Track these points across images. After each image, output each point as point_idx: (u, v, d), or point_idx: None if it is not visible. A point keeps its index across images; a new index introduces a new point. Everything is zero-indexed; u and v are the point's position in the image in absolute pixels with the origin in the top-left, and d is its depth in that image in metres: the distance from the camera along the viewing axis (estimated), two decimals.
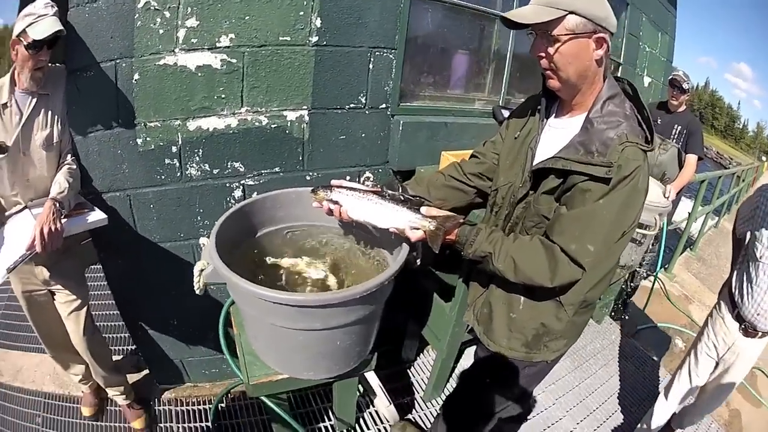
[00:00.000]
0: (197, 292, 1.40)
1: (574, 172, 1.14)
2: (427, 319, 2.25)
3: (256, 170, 1.97)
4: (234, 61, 1.77)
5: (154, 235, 1.92)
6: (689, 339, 3.66)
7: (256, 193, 1.97)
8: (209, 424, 2.09)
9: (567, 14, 1.10)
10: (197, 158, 1.84)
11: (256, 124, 1.88)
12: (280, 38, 1.83)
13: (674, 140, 3.57)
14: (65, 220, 1.62)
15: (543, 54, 1.16)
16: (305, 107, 1.95)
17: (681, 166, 3.52)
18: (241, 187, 1.97)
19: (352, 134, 2.14)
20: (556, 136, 1.26)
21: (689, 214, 5.07)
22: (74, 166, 1.71)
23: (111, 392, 2.04)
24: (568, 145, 1.17)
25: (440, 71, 2.66)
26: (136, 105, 1.73)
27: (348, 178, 2.17)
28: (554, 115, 1.31)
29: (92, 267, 2.60)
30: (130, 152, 1.78)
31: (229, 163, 1.90)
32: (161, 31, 1.69)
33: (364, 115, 2.14)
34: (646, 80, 4.65)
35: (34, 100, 1.62)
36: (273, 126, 1.92)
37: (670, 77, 3.57)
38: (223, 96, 1.80)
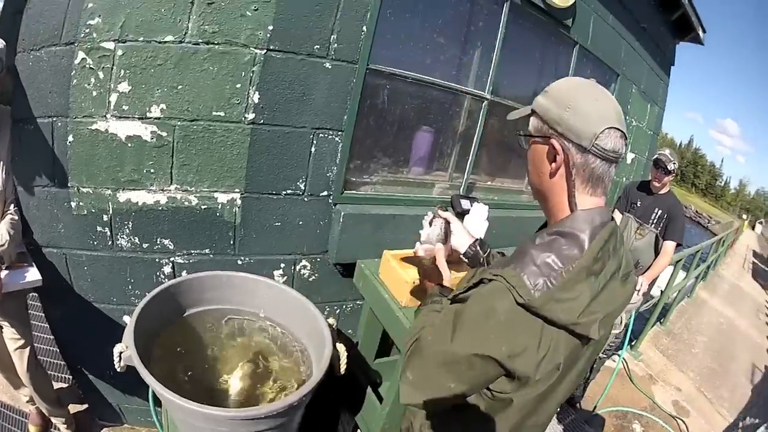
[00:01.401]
0: (119, 370, 1.51)
1: None
2: (361, 406, 2.21)
3: (186, 249, 1.96)
4: (164, 134, 1.76)
5: (88, 294, 2.00)
6: (649, 423, 3.66)
7: (185, 271, 1.99)
8: None
9: (530, 115, 1.05)
10: (127, 230, 1.87)
11: (186, 203, 1.87)
12: (214, 113, 1.78)
13: (653, 224, 3.44)
14: (4, 273, 1.74)
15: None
16: (237, 190, 1.90)
17: (657, 252, 3.42)
18: (171, 263, 1.97)
19: (288, 221, 2.06)
20: None
21: (662, 291, 5.13)
22: (16, 217, 1.80)
23: (54, 420, 2.20)
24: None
25: (397, 151, 2.51)
26: (69, 167, 1.78)
27: (283, 266, 2.15)
28: None
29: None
30: (64, 213, 1.85)
31: (158, 239, 1.91)
32: (94, 93, 1.71)
33: (303, 202, 2.05)
34: (630, 156, 4.41)
35: None
36: (203, 207, 1.89)
37: (655, 157, 3.40)
38: (152, 171, 1.80)
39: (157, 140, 1.77)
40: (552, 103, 0.99)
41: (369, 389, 2.17)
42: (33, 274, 1.85)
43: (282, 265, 2.15)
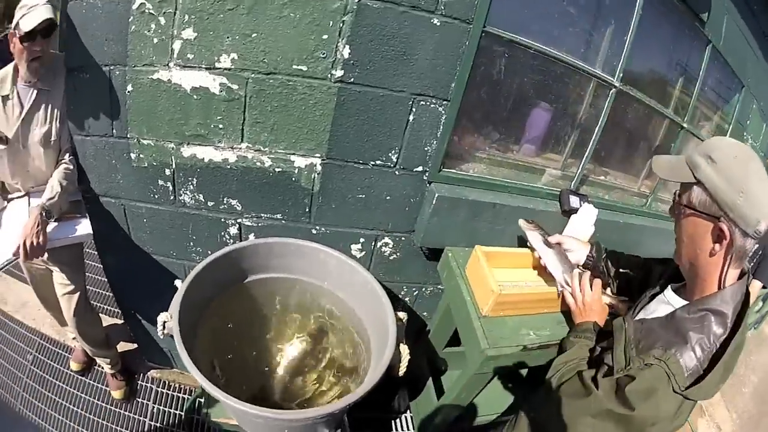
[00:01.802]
0: (162, 337, 1.48)
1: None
2: (420, 391, 2.19)
3: (255, 212, 1.78)
4: (235, 87, 1.52)
5: (147, 246, 1.89)
6: None
7: (253, 234, 1.84)
8: (182, 413, 2.22)
9: (694, 184, 1.05)
10: (191, 186, 1.70)
11: (258, 164, 1.65)
12: (294, 66, 1.51)
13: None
14: (53, 225, 1.72)
15: (672, 217, 1.15)
16: (318, 155, 1.67)
17: None
18: (237, 225, 1.81)
19: (374, 195, 1.82)
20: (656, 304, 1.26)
21: None
22: (71, 167, 1.75)
23: (98, 360, 2.21)
24: (643, 322, 1.17)
25: (508, 129, 2.19)
26: (129, 118, 1.62)
27: (362, 240, 1.97)
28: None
29: None
30: (123, 164, 1.71)
31: (225, 199, 1.73)
32: (155, 40, 1.50)
33: (393, 175, 1.79)
34: None
35: (35, 93, 1.66)
36: (277, 170, 1.68)
37: None
38: (220, 126, 1.58)
39: (227, 93, 1.53)
40: (724, 183, 0.99)
41: (431, 379, 2.10)
42: (84, 227, 1.79)
43: (361, 240, 1.96)
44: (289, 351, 1.89)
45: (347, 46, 1.51)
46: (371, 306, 1.73)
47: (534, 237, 1.75)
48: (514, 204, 2.05)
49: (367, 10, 1.47)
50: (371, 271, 1.93)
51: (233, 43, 1.48)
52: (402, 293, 2.28)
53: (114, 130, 1.67)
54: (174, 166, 1.67)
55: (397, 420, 2.46)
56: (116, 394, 2.24)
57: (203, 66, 1.51)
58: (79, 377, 2.29)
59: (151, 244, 1.90)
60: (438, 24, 1.55)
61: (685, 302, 1.16)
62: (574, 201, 2.27)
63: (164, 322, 1.50)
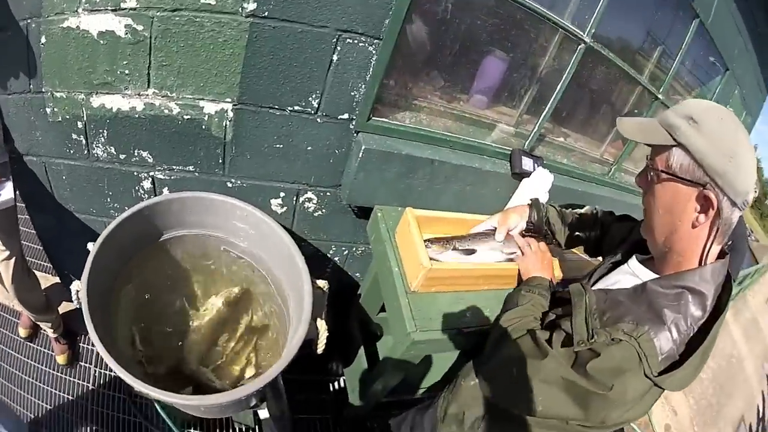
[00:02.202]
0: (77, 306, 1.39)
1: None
2: (353, 359, 2.09)
3: (167, 164, 1.68)
4: (140, 28, 1.42)
5: (69, 204, 1.83)
6: None
7: (167, 189, 1.74)
8: None
9: (674, 146, 0.96)
10: (102, 139, 1.61)
11: (166, 111, 1.55)
12: (201, 1, 1.39)
13: None
14: None
15: (641, 186, 1.08)
16: (229, 100, 1.54)
17: None
18: (150, 178, 1.71)
19: (293, 144, 1.69)
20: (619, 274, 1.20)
21: None
22: None
23: (41, 324, 2.16)
24: (608, 292, 1.08)
25: (454, 76, 2.01)
26: (43, 72, 1.55)
27: (282, 195, 1.85)
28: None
29: None
30: (41, 120, 1.64)
31: (136, 151, 1.64)
32: None
33: (315, 123, 1.65)
34: None
35: None
36: (186, 117, 1.56)
37: None
38: (126, 72, 1.48)
39: (132, 35, 1.43)
40: (711, 146, 0.91)
41: (362, 348, 1.98)
42: (6, 193, 1.66)
43: (281, 195, 1.83)
44: (208, 313, 1.79)
45: None
46: (289, 271, 1.64)
47: (449, 256, 1.62)
48: (456, 161, 1.89)
49: None
50: (295, 227, 1.83)
51: None
52: (330, 252, 2.17)
53: (31, 86, 1.61)
54: (85, 117, 1.58)
55: (335, 382, 2.41)
56: (60, 359, 2.19)
57: (109, 8, 1.42)
58: (27, 343, 2.26)
59: (72, 202, 1.82)
60: None
61: (655, 275, 1.08)
62: (527, 163, 2.11)
63: (77, 291, 1.44)
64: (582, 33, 1.93)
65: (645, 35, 2.55)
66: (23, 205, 2.02)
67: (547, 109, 2.13)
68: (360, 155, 1.67)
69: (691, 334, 0.95)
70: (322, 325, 1.61)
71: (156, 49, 1.46)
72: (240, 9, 1.41)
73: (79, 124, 1.60)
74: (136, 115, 1.57)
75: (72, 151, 1.66)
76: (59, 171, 1.74)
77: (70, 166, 1.70)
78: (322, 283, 1.69)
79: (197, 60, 1.48)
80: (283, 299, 1.73)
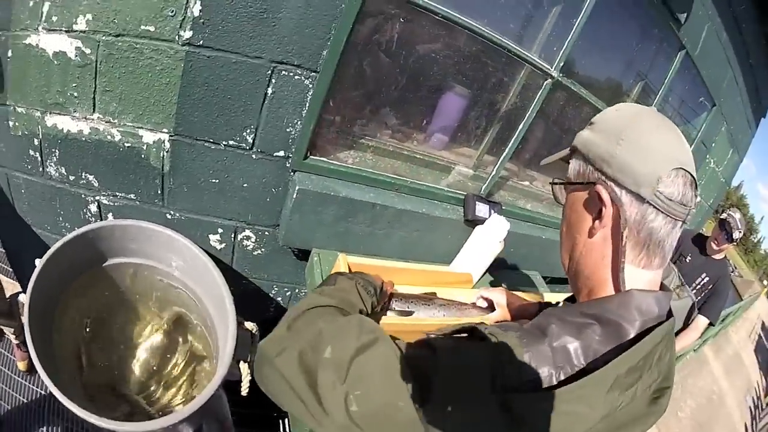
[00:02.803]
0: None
1: None
2: None
3: (111, 190, 1.70)
4: (88, 51, 1.46)
5: (27, 217, 1.89)
6: None
7: (111, 214, 1.76)
8: None
9: (570, 153, 0.87)
10: (55, 158, 1.66)
11: (108, 137, 1.57)
12: (142, 27, 1.41)
13: (695, 290, 3.21)
14: None
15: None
16: (166, 130, 1.54)
17: (687, 323, 3.17)
18: (96, 203, 1.74)
19: (229, 180, 1.66)
20: None
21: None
22: None
23: (3, 328, 2.30)
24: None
25: (408, 112, 1.93)
26: (8, 85, 1.63)
27: (221, 231, 1.84)
28: None
29: None
30: (4, 132, 1.72)
31: (83, 174, 1.67)
32: (31, 3, 1.51)
33: (250, 159, 1.62)
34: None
35: None
36: (126, 145, 1.58)
37: (724, 217, 3.14)
38: (75, 94, 1.53)
39: (81, 58, 1.48)
40: (599, 136, 0.79)
41: None
42: None
43: (219, 230, 1.82)
44: (144, 340, 1.81)
45: (198, 2, 1.38)
46: (219, 310, 1.62)
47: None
48: (401, 206, 1.82)
49: None
50: (235, 265, 1.82)
51: (90, 3, 1.44)
52: (272, 292, 2.12)
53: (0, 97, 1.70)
54: (41, 135, 1.65)
55: (287, 419, 2.31)
56: (21, 366, 2.23)
57: (63, 29, 1.48)
58: None
59: (30, 216, 1.89)
60: None
61: None
62: (481, 209, 2.03)
63: (23, 305, 1.47)
64: (549, 66, 1.82)
65: (625, 68, 2.44)
66: None
67: (507, 150, 2.04)
68: (295, 196, 1.63)
69: (596, 376, 0.67)
70: (245, 368, 1.60)
71: (101, 74, 1.50)
72: (177, 37, 1.42)
73: (36, 141, 1.67)
74: (83, 138, 1.61)
75: (29, 167, 1.73)
76: (19, 184, 1.81)
77: (28, 180, 1.77)
78: (250, 326, 1.66)
79: (137, 87, 1.50)
80: (214, 339, 1.71)
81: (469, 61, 1.82)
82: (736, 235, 3.08)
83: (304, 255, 1.92)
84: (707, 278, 3.22)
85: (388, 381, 0.69)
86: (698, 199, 0.79)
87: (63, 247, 1.55)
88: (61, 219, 1.83)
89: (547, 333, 0.71)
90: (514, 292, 1.66)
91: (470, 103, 1.97)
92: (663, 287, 0.81)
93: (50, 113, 1.60)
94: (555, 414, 0.64)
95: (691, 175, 0.74)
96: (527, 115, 1.93)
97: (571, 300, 0.93)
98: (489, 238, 1.93)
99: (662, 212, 0.73)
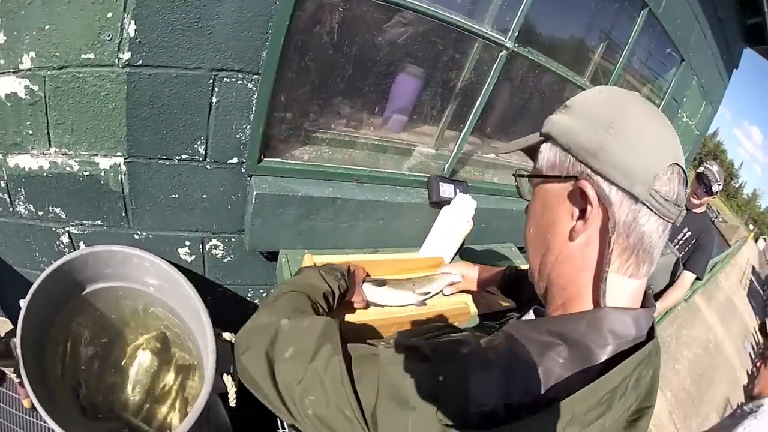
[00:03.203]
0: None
1: None
2: None
3: (78, 220, 1.76)
4: (36, 88, 1.51)
5: (7, 257, 1.94)
6: None
7: (83, 243, 1.81)
8: None
9: (541, 140, 0.77)
10: (22, 197, 1.72)
11: (68, 169, 1.62)
12: (83, 56, 1.45)
13: (678, 246, 3.25)
14: None
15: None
16: (120, 154, 1.59)
17: (673, 279, 3.25)
18: (67, 233, 1.79)
19: (188, 194, 1.70)
20: None
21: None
22: None
23: (4, 369, 2.35)
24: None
25: (362, 99, 1.92)
26: None
27: (188, 244, 1.87)
28: None
29: None
30: None
31: (50, 207, 1.73)
32: None
33: (205, 170, 1.66)
34: None
35: None
36: (85, 174, 1.63)
37: (701, 170, 3.15)
38: (30, 132, 1.58)
39: (31, 96, 1.52)
40: (582, 123, 0.69)
41: None
42: None
43: (187, 243, 1.86)
44: (133, 360, 1.88)
45: (133, 22, 1.41)
46: (197, 324, 1.67)
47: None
48: (362, 197, 1.84)
49: None
50: (207, 274, 1.88)
51: (32, 41, 1.48)
52: (248, 296, 2.18)
53: None
54: (6, 176, 1.70)
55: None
56: (26, 403, 2.27)
57: (11, 70, 1.52)
58: None
59: (9, 256, 1.95)
60: None
61: None
62: (445, 190, 2.02)
63: (14, 346, 1.57)
64: (503, 38, 1.83)
65: (586, 30, 2.43)
66: None
67: (467, 126, 2.03)
68: (254, 201, 1.66)
69: (550, 410, 0.60)
70: (228, 380, 1.64)
71: (51, 108, 1.55)
72: (116, 60, 1.46)
73: (2, 183, 1.72)
74: (44, 174, 1.66)
75: (1, 209, 1.79)
76: None
77: (2, 222, 1.82)
78: (228, 336, 1.68)
79: (86, 116, 1.55)
80: (196, 347, 1.76)
81: (418, 42, 1.83)
82: (716, 188, 3.09)
83: (273, 256, 1.95)
84: (689, 233, 3.24)
85: (337, 391, 0.70)
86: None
87: (43, 283, 1.63)
88: (37, 254, 1.89)
89: (502, 357, 0.64)
90: (479, 264, 1.69)
91: (424, 82, 1.97)
92: (647, 297, 0.73)
93: (11, 154, 1.64)
94: None
95: (684, 171, 0.68)
96: (484, 89, 1.94)
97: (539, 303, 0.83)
98: (456, 219, 1.92)
99: (656, 214, 0.66)
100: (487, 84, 1.94)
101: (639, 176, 0.64)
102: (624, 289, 0.68)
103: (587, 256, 0.68)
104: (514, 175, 0.82)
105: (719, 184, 3.08)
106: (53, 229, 1.80)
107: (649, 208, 0.65)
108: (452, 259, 2.04)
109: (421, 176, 2.09)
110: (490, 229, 2.44)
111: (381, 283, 1.55)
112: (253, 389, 0.85)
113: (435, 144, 2.20)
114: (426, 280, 1.67)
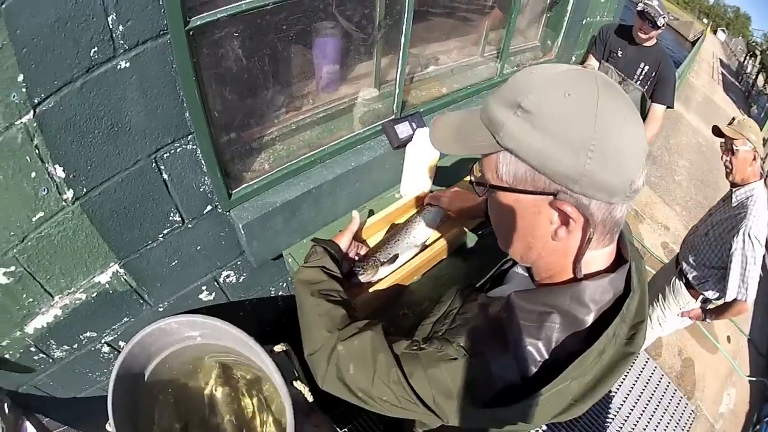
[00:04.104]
0: None
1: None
2: None
3: (108, 329, 2.03)
4: (13, 268, 1.66)
5: (69, 392, 2.23)
6: None
7: (122, 342, 2.08)
8: None
9: (500, 151, 0.76)
10: (54, 345, 1.95)
11: (78, 302, 1.85)
12: (34, 219, 1.59)
13: (639, 81, 3.33)
14: None
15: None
16: (112, 263, 1.82)
17: (644, 114, 3.33)
18: (105, 344, 2.06)
19: (184, 255, 1.96)
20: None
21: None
22: None
23: None
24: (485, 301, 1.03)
25: (290, 82, 2.03)
26: None
27: (204, 288, 2.16)
28: None
29: None
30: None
31: (80, 336, 1.99)
32: None
33: (188, 230, 1.90)
34: None
35: None
36: (94, 295, 1.87)
37: (641, 8, 3.16)
38: (31, 300, 1.77)
39: (13, 277, 1.69)
40: (554, 146, 0.69)
41: None
42: None
43: (204, 288, 2.13)
44: (216, 406, 2.18)
45: (57, 166, 1.51)
46: (249, 351, 1.93)
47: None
48: (331, 175, 2.05)
49: (47, 114, 1.39)
50: (231, 298, 2.16)
51: None
52: (272, 293, 2.54)
53: None
54: (33, 342, 1.92)
55: None
56: None
57: None
58: None
59: (68, 389, 2.23)
60: (128, 66, 1.40)
61: (531, 285, 0.98)
62: (402, 131, 2.11)
63: None
64: None
65: None
66: None
67: (401, 47, 2.06)
68: (242, 231, 1.92)
69: (551, 362, 0.79)
70: (299, 384, 1.89)
71: (35, 274, 1.73)
72: (64, 203, 1.61)
73: (32, 348, 1.94)
74: (62, 318, 1.89)
75: (42, 366, 2.03)
76: (42, 379, 2.12)
77: (49, 374, 2.08)
78: (279, 348, 1.98)
79: (68, 257, 1.75)
80: (253, 362, 2.01)
81: (308, 17, 1.91)
82: (661, 21, 3.16)
83: (279, 255, 2.23)
84: (647, 66, 3.37)
85: (401, 391, 0.94)
86: None
87: (114, 390, 1.91)
88: (90, 374, 2.17)
89: (512, 339, 0.81)
90: (458, 189, 1.97)
91: (341, 31, 2.02)
92: (621, 247, 0.87)
93: (26, 325, 1.85)
94: (531, 410, 0.78)
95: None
96: (406, 8, 1.97)
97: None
98: (422, 153, 2.04)
99: (626, 203, 0.77)
100: (407, 8, 1.97)
101: (619, 189, 0.71)
102: (600, 256, 0.83)
103: (569, 245, 0.81)
104: (470, 183, 0.86)
105: (664, 17, 3.13)
106: (92, 349, 2.07)
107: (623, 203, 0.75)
108: (431, 186, 2.28)
109: (375, 127, 2.18)
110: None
111: (394, 258, 1.85)
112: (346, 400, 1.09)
113: (376, 82, 2.23)
114: (416, 224, 1.96)
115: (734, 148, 2.75)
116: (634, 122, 0.70)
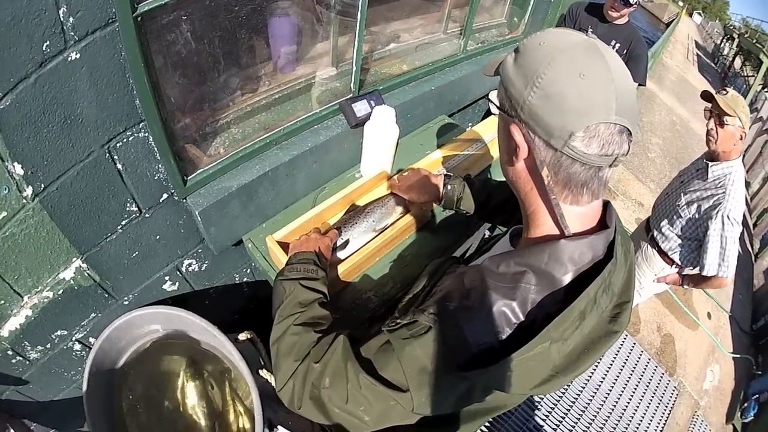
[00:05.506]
0: None
1: None
2: None
3: (78, 326, 2.16)
4: None
5: (49, 395, 2.37)
6: None
7: (92, 339, 2.21)
8: None
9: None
10: (28, 346, 2.09)
11: (46, 300, 1.99)
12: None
13: None
14: None
15: None
16: (75, 258, 1.95)
17: None
18: (75, 341, 2.20)
19: (144, 245, 2.09)
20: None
21: None
22: None
23: None
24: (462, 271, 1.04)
25: (246, 65, 2.10)
26: None
27: (167, 278, 2.30)
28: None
29: None
30: None
31: (52, 335, 2.11)
32: None
33: (146, 219, 2.02)
34: None
35: None
36: (60, 292, 2.00)
37: None
38: (3, 301, 1.92)
39: None
40: (517, 74, 0.83)
41: None
42: None
43: (167, 278, 2.27)
44: (188, 399, 2.23)
45: (15, 164, 1.60)
46: (214, 340, 2.04)
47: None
48: (287, 156, 2.14)
49: (5, 112, 1.43)
50: (195, 286, 2.28)
51: None
52: (236, 279, 2.69)
53: None
54: (9, 345, 2.05)
55: None
56: None
57: None
58: None
59: (47, 391, 2.36)
60: (78, 57, 1.42)
61: (510, 248, 1.04)
62: (360, 109, 2.21)
63: None
64: None
65: None
66: None
67: (358, 23, 2.11)
68: (199, 218, 2.02)
69: (526, 324, 0.83)
70: (264, 373, 1.98)
71: (4, 274, 1.86)
72: (24, 201, 1.74)
73: (10, 351, 2.08)
74: (33, 318, 2.02)
75: (18, 369, 2.16)
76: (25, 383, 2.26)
77: (29, 375, 2.23)
78: (244, 336, 2.08)
79: (32, 255, 1.88)
80: (219, 352, 2.12)
81: None
82: None
83: (240, 240, 2.33)
84: (618, 44, 3.45)
85: (376, 395, 0.95)
86: (632, 141, 0.83)
87: (88, 387, 2.06)
88: (65, 374, 2.31)
89: (486, 301, 0.84)
90: (420, 169, 2.01)
91: (296, 12, 2.11)
92: (605, 216, 0.91)
93: (0, 327, 1.99)
94: (504, 376, 0.81)
95: (620, 123, 0.77)
96: None
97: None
98: (381, 131, 2.12)
99: (579, 162, 0.80)
100: None
101: (555, 132, 0.78)
102: (569, 213, 0.87)
103: (530, 180, 0.89)
104: (488, 98, 1.11)
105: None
106: (64, 348, 2.21)
107: (568, 157, 0.79)
108: (392, 164, 2.37)
109: (332, 106, 2.24)
110: (416, 115, 2.71)
111: (344, 243, 1.93)
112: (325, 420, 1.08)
113: (334, 61, 2.30)
114: (379, 208, 2.04)
115: (724, 120, 2.85)
116: (592, 81, 0.76)
